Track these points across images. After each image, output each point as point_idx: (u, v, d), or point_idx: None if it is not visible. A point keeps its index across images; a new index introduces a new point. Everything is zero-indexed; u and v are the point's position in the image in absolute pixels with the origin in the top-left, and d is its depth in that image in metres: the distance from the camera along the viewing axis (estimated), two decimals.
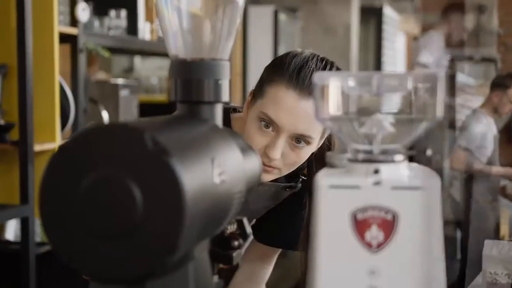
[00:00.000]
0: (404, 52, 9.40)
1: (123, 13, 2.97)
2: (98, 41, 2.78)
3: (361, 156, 0.69)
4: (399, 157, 0.69)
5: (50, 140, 2.45)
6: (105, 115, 2.87)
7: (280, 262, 1.58)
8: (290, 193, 1.41)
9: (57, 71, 2.45)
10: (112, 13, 2.96)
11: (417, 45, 4.53)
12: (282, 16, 4.78)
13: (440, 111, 0.67)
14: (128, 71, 4.98)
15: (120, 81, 3.08)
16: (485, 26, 9.28)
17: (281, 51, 5.86)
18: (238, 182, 0.74)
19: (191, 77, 0.79)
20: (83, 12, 2.59)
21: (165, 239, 0.59)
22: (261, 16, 4.68)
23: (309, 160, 1.32)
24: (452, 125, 4.81)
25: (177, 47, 0.81)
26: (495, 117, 4.24)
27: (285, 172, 1.29)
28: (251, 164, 0.83)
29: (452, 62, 4.85)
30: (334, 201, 0.67)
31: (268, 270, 1.51)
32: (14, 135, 2.35)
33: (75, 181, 0.61)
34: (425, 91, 0.68)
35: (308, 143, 1.25)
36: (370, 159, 0.69)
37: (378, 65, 7.50)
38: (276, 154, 1.23)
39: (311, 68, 1.24)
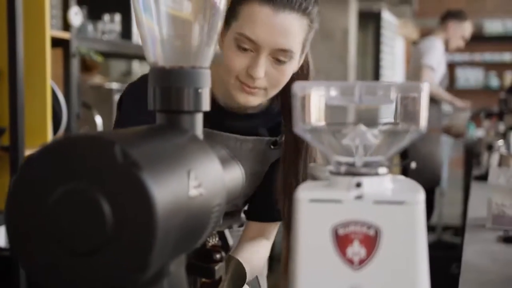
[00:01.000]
0: (402, 56, 9.38)
1: (117, 17, 2.94)
2: (91, 46, 2.76)
3: (343, 168, 0.67)
4: (382, 169, 0.67)
5: (41, 145, 2.42)
6: (99, 120, 2.84)
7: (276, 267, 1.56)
8: (276, 155, 1.39)
9: (49, 76, 2.43)
10: (106, 17, 2.94)
11: (417, 49, 4.54)
12: None
13: (424, 123, 0.65)
14: (126, 75, 4.96)
15: (115, 85, 3.05)
16: None
17: None
18: (217, 195, 0.71)
19: (170, 85, 0.77)
20: (76, 16, 2.57)
21: (136, 256, 0.57)
22: None
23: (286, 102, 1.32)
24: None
25: (156, 55, 0.78)
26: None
27: (272, 92, 1.27)
28: (232, 175, 0.80)
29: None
30: (315, 215, 0.65)
31: (269, 245, 1.48)
32: (4, 140, 2.32)
33: (43, 194, 0.58)
34: (408, 103, 0.66)
35: (289, 58, 1.22)
36: (352, 172, 0.66)
37: (376, 70, 7.48)
38: (259, 72, 1.21)
39: None
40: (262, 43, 1.20)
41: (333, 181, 0.67)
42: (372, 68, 7.49)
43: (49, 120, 2.43)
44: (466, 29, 4.51)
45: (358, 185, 0.65)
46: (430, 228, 5.39)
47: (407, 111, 0.65)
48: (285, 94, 1.31)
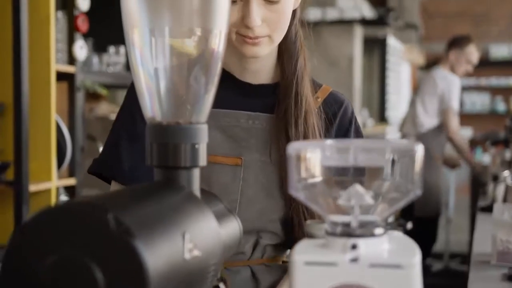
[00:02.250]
0: (408, 81, 9.39)
1: (122, 49, 2.96)
2: (96, 78, 2.77)
3: (339, 229, 0.67)
4: (378, 230, 0.66)
5: (46, 179, 2.43)
6: None
7: None
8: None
9: (54, 110, 2.44)
10: (111, 49, 2.96)
11: (431, 81, 4.50)
12: None
13: (418, 185, 0.65)
14: None
15: None
16: None
17: None
18: (213, 254, 0.71)
19: (167, 141, 0.77)
20: (81, 50, 2.59)
21: None
22: None
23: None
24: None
25: (153, 110, 0.78)
26: None
27: (277, 38, 1.19)
28: (229, 230, 0.80)
29: None
30: (310, 278, 0.64)
31: None
32: (9, 174, 2.32)
33: (36, 262, 0.58)
34: (404, 162, 0.65)
35: None
36: (348, 233, 0.66)
37: (382, 95, 7.49)
38: (255, 20, 1.14)
39: None
40: None
41: (329, 242, 0.67)
42: (378, 93, 7.50)
43: (53, 155, 2.44)
44: (469, 54, 4.51)
45: (354, 247, 0.65)
46: (437, 256, 5.35)
47: (403, 171, 0.65)
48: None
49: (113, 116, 3.07)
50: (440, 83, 4.40)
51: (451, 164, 4.81)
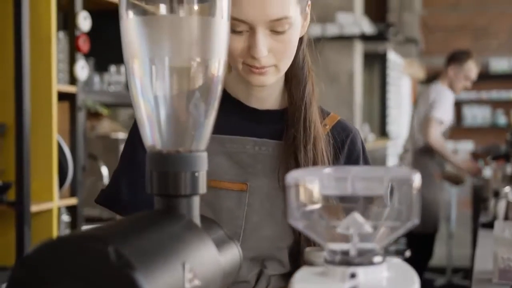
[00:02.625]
0: (409, 95, 9.41)
1: (123, 68, 2.98)
2: (97, 98, 2.79)
3: (337, 258, 0.67)
4: (377, 258, 0.67)
5: (47, 199, 2.43)
6: (105, 171, 2.86)
7: None
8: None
9: (55, 130, 2.45)
10: (113, 68, 2.98)
11: (427, 94, 4.49)
12: None
13: (416, 214, 0.65)
14: (133, 118, 4.99)
15: (121, 135, 3.08)
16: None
17: None
18: (213, 282, 0.72)
19: (167, 170, 0.77)
20: (82, 70, 2.61)
21: None
22: None
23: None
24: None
25: (153, 138, 0.79)
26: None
27: (283, 67, 1.19)
28: (229, 256, 0.80)
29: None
30: None
31: None
32: (10, 195, 2.33)
33: None
34: (402, 191, 0.66)
35: (288, 25, 1.14)
36: (347, 262, 0.66)
37: (383, 110, 7.51)
38: (261, 50, 1.12)
39: None
40: (252, 20, 1.12)
41: (328, 270, 0.67)
42: (379, 108, 7.52)
43: (55, 175, 2.45)
44: (468, 70, 4.49)
45: (353, 275, 0.65)
46: (440, 271, 5.34)
47: (401, 200, 0.65)
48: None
49: (114, 135, 3.08)
50: (431, 95, 4.39)
51: (454, 181, 4.78)
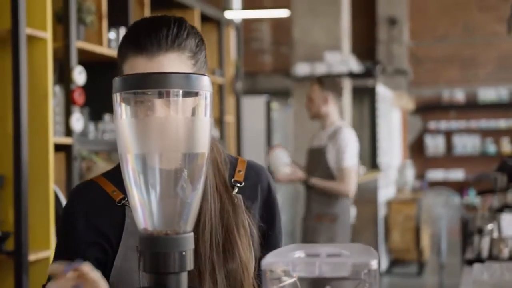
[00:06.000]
0: (399, 126, 9.55)
1: None
2: (92, 147, 2.89)
3: None
4: None
5: (45, 248, 2.52)
6: None
7: None
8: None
9: (52, 181, 2.54)
10: (107, 117, 3.08)
11: (337, 146, 3.89)
12: (275, 105, 4.92)
13: None
14: None
15: None
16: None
17: (275, 137, 6.01)
18: None
19: (158, 251, 0.87)
20: (78, 122, 2.71)
21: None
22: (255, 105, 4.82)
23: None
24: None
25: (146, 222, 0.89)
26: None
27: None
28: None
29: None
30: None
31: None
32: (9, 245, 2.41)
33: None
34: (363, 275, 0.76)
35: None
36: None
37: (373, 142, 7.61)
38: None
39: (151, 24, 1.20)
40: None
41: None
42: (369, 141, 7.63)
43: (52, 224, 2.53)
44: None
45: None
46: None
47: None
48: None
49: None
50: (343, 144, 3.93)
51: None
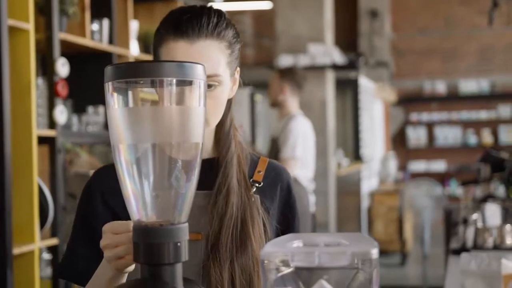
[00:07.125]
0: (382, 118, 9.59)
1: (101, 109, 3.06)
2: (76, 139, 2.86)
3: None
4: None
5: (29, 241, 2.49)
6: None
7: None
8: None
9: (36, 174, 2.51)
10: (90, 109, 3.05)
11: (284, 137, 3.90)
12: (258, 97, 4.91)
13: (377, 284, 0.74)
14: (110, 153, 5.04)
15: None
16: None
17: (259, 130, 6.00)
18: None
19: (152, 241, 0.86)
20: (61, 114, 2.68)
21: None
22: (238, 98, 4.78)
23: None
24: None
25: (140, 214, 0.88)
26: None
27: (213, 122, 1.24)
28: None
29: None
30: None
31: None
32: None
33: None
34: (363, 266, 0.75)
35: (218, 82, 1.21)
36: None
37: (356, 134, 7.64)
38: None
39: (192, 11, 1.23)
40: None
41: None
42: (352, 132, 7.65)
43: (36, 217, 2.50)
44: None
45: None
46: None
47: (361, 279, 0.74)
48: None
49: (92, 173, 3.14)
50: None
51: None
